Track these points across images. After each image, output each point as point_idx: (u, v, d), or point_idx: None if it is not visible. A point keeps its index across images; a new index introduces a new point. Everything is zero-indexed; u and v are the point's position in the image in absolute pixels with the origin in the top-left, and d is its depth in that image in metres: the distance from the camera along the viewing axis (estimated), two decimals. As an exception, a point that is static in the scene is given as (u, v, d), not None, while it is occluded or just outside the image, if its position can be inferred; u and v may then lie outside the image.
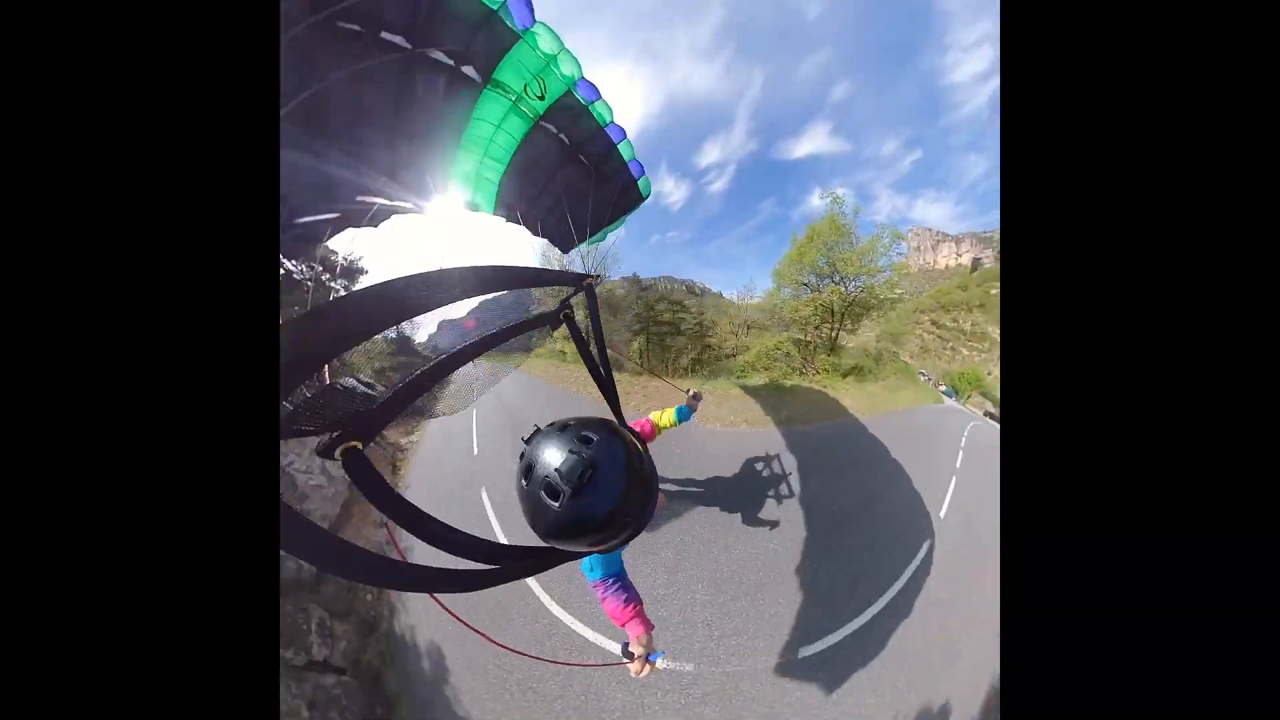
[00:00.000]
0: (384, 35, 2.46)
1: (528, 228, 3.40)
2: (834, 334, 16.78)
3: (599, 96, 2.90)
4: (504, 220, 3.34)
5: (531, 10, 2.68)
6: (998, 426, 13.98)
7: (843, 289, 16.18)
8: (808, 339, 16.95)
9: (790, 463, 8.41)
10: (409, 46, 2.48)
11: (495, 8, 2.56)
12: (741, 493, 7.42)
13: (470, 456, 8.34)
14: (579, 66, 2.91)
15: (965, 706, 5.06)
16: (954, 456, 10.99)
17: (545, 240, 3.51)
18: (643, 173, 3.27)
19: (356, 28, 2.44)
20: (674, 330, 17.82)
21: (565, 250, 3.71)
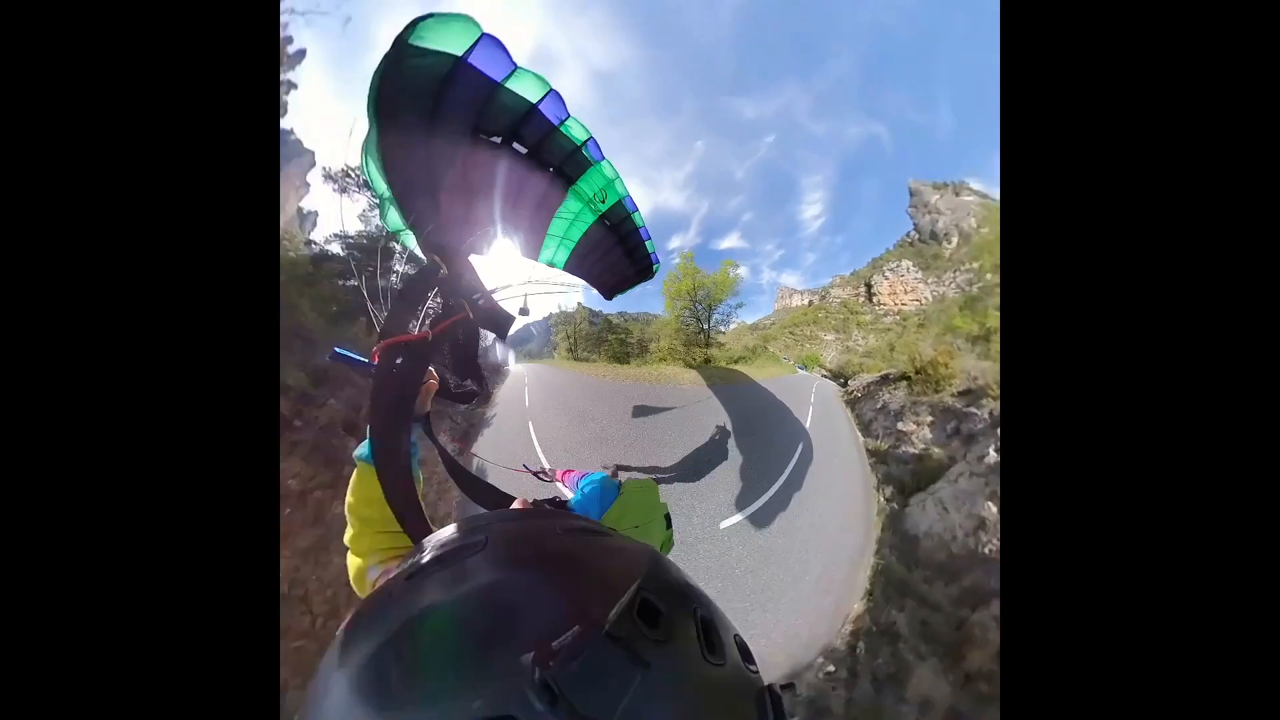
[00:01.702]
0: (514, 146, 2.87)
1: (586, 280, 4.15)
2: (705, 338, 19.69)
3: (637, 209, 3.43)
4: (569, 271, 4.00)
5: (601, 150, 3.34)
6: (831, 381, 17.14)
7: (693, 307, 19.12)
8: (685, 341, 19.59)
9: (713, 401, 11.05)
10: (525, 153, 2.79)
11: (580, 144, 3.18)
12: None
13: (523, 406, 10.32)
14: (625, 188, 3.61)
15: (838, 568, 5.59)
16: (809, 396, 13.73)
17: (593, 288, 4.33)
18: (657, 260, 4.00)
19: (499, 140, 2.73)
20: (620, 344, 21.31)
21: (607, 299, 4.48)
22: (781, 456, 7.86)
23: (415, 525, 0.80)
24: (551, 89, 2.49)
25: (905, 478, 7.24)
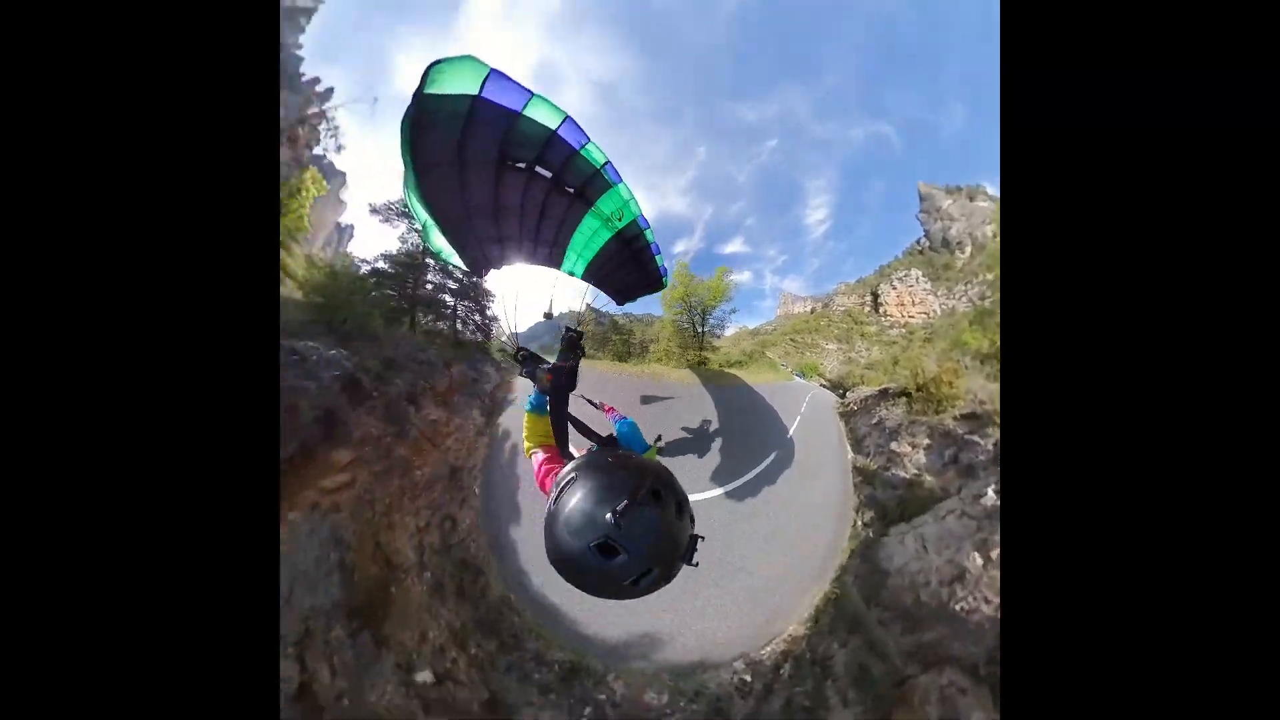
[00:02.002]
0: (538, 170, 3.03)
1: (600, 288, 4.48)
2: (699, 341, 20.72)
3: (649, 226, 3.71)
4: (586, 280, 4.30)
5: (618, 173, 3.57)
6: (828, 392, 17.81)
7: (688, 312, 20.26)
8: (681, 344, 20.74)
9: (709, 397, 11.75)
10: (549, 176, 3.10)
11: (599, 167, 3.41)
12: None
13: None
14: (640, 208, 3.86)
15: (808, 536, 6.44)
16: (800, 405, 13.77)
17: (604, 295, 4.70)
18: (667, 273, 4.38)
19: (523, 165, 3.00)
20: (623, 345, 22.03)
21: (620, 305, 4.89)
22: (751, 460, 7.89)
23: (562, 439, 2.05)
24: (568, 116, 2.74)
25: (890, 504, 6.76)
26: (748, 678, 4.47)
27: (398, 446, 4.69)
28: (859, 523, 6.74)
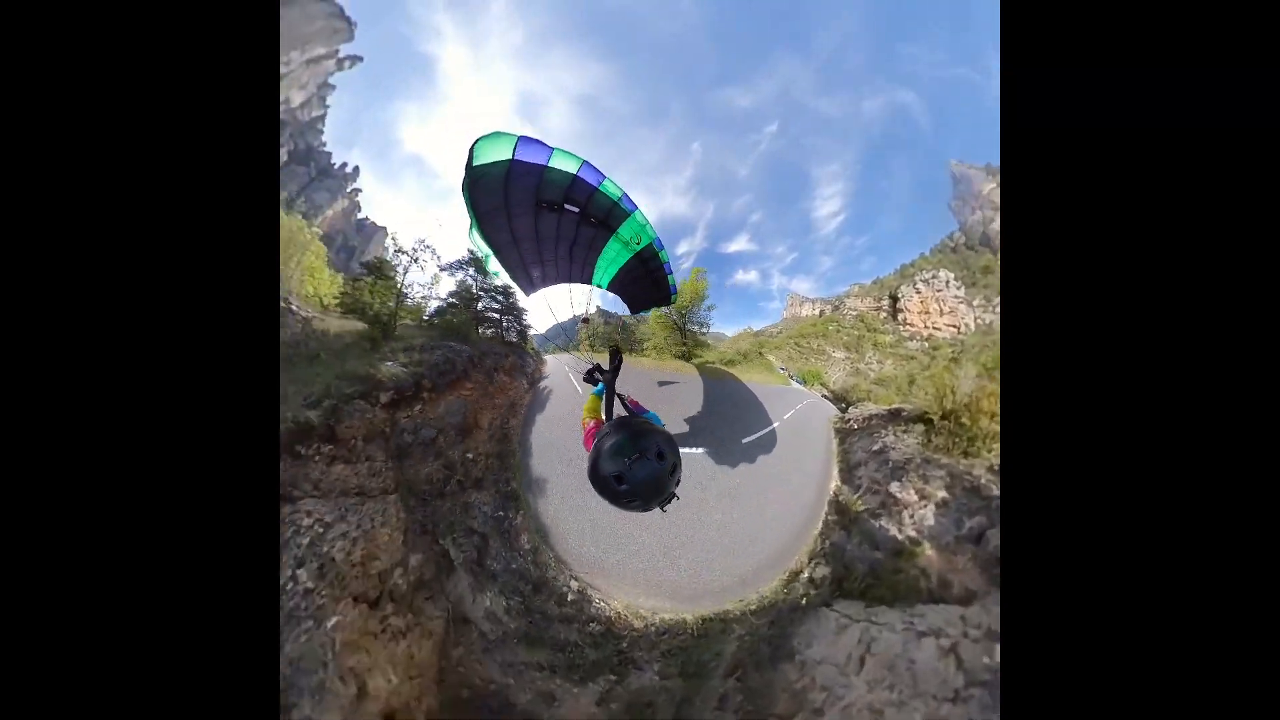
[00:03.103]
0: (567, 207, 3.77)
1: (621, 297, 5.57)
2: (683, 338, 23.40)
3: (663, 248, 4.40)
4: (610, 291, 5.36)
5: (633, 202, 4.12)
6: (829, 403, 18.30)
7: (663, 310, 22.19)
8: (667, 340, 23.53)
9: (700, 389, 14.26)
10: (577, 210, 3.82)
11: (617, 199, 3.96)
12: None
13: (565, 372, 14.51)
14: (655, 232, 4.44)
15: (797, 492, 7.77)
16: (785, 412, 14.24)
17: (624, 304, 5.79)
18: (675, 290, 5.14)
19: (555, 205, 3.72)
20: (627, 340, 25.18)
21: (633, 313, 6.19)
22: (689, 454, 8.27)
23: (609, 413, 3.27)
24: (585, 161, 3.38)
25: (858, 569, 4.98)
26: (570, 610, 4.93)
27: (489, 387, 10.84)
28: (805, 575, 5.15)
